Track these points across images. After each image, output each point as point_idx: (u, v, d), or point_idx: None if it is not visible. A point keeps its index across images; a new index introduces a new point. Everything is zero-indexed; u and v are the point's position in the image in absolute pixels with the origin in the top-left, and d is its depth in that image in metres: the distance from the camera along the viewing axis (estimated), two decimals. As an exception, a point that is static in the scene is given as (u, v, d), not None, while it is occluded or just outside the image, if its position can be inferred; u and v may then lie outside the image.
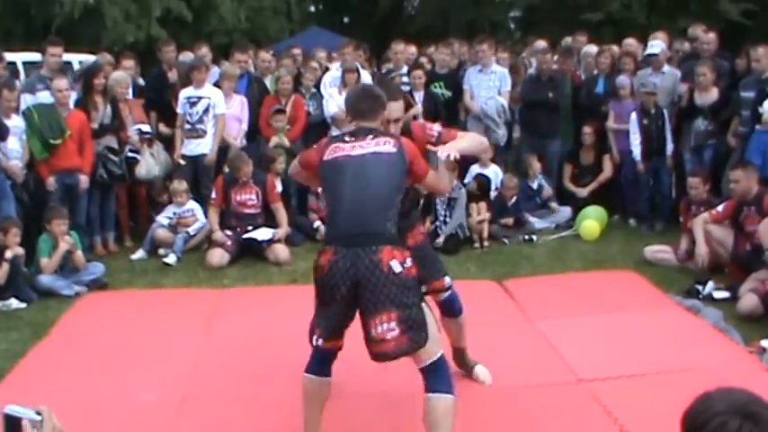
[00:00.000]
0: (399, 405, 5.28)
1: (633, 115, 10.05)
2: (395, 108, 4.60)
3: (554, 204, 10.51)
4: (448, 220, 9.57)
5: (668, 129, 9.95)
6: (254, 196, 9.25)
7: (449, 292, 5.29)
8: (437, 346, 4.22)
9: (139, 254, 9.19)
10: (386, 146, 4.28)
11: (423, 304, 4.20)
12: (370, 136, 4.31)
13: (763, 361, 5.81)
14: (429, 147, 4.74)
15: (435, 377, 4.19)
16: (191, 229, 9.36)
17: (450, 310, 5.35)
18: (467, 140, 4.87)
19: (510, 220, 9.99)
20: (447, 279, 5.26)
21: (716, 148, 9.72)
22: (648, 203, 10.28)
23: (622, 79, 10.50)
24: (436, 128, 4.94)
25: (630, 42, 11.54)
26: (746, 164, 8.00)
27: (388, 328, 4.03)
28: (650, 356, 5.97)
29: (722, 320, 6.70)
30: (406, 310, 4.03)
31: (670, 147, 9.97)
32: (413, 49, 12.01)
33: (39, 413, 2.26)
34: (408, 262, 4.09)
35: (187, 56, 11.48)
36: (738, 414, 1.92)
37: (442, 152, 4.43)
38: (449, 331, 5.36)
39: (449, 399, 4.19)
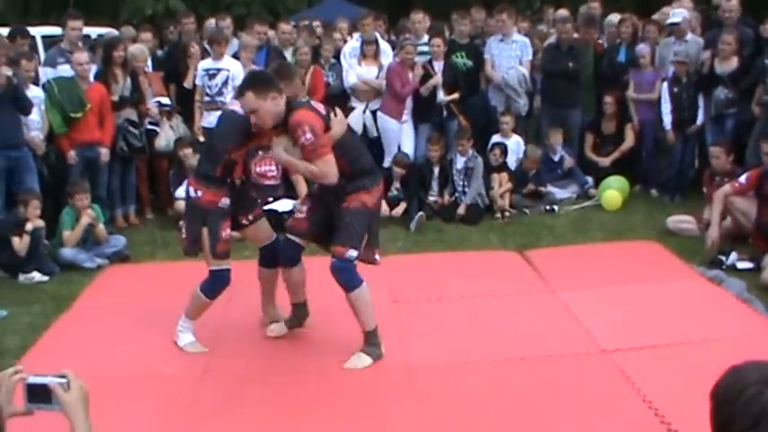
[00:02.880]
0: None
1: (664, 84, 9.96)
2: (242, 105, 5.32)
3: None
4: (466, 190, 9.54)
5: (700, 98, 9.83)
6: (274, 167, 9.22)
7: (342, 263, 5.37)
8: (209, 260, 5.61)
9: None
10: (239, 108, 5.39)
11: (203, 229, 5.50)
12: (242, 97, 5.29)
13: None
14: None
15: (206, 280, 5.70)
16: None
17: (336, 278, 5.43)
18: (303, 165, 5.31)
19: (531, 187, 9.96)
20: (350, 252, 5.35)
21: (737, 117, 9.61)
22: (677, 174, 10.18)
23: (641, 48, 10.41)
24: (308, 136, 5.14)
25: (666, 11, 11.33)
26: None
27: (183, 234, 5.84)
28: (673, 327, 5.95)
29: (746, 291, 6.67)
30: (189, 224, 5.65)
31: (701, 117, 9.86)
32: (426, 19, 11.87)
33: (63, 376, 2.29)
34: (200, 193, 5.45)
35: (211, 23, 11.49)
36: None
37: (278, 153, 5.39)
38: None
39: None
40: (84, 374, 2.39)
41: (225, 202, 5.48)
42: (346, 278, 5.40)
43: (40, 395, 2.28)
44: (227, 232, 5.56)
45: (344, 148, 5.37)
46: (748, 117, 9.45)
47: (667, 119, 9.96)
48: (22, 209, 7.65)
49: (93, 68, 9.22)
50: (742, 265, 7.39)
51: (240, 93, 5.29)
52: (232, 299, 6.71)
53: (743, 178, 7.84)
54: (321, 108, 5.47)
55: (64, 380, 2.27)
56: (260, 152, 9.02)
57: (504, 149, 10.00)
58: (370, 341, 5.51)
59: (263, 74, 5.80)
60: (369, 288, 5.48)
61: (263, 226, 6.01)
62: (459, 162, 9.65)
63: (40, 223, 7.71)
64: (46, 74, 9.14)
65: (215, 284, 5.69)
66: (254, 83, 5.29)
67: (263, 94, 5.16)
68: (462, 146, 9.66)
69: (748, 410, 1.87)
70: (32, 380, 2.29)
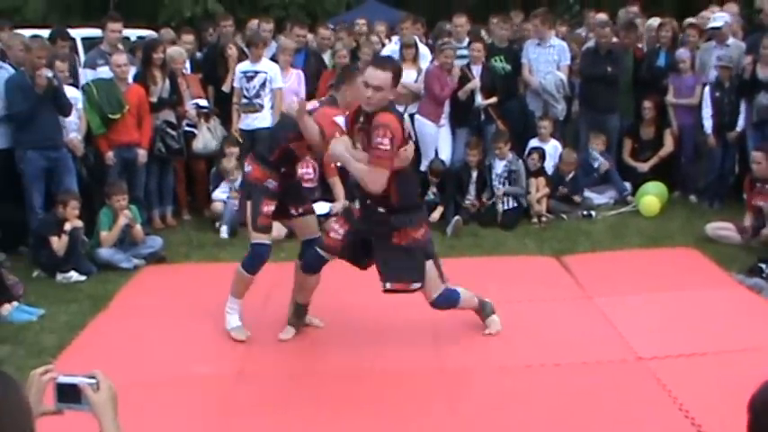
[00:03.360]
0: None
1: (706, 88, 9.87)
2: (373, 75, 5.17)
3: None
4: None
5: (742, 103, 9.71)
6: (311, 170, 9.26)
7: (438, 300, 5.67)
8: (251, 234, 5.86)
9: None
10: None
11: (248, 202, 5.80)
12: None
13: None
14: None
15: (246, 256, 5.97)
16: None
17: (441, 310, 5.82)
18: (356, 165, 5.22)
19: (565, 189, 9.90)
20: (413, 285, 5.50)
21: (780, 124, 9.49)
22: (717, 180, 10.08)
23: (682, 53, 10.32)
24: (385, 141, 5.08)
25: (705, 15, 11.24)
26: None
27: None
28: (711, 336, 5.89)
29: (786, 300, 6.59)
30: (240, 196, 6.19)
31: (741, 123, 9.73)
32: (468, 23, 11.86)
33: (92, 377, 2.29)
34: (250, 168, 5.79)
35: (253, 25, 11.56)
36: None
37: (335, 148, 5.28)
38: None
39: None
40: (119, 374, 2.41)
41: (270, 182, 5.72)
42: (448, 305, 5.77)
43: (69, 395, 2.28)
44: (269, 208, 5.74)
45: (403, 179, 5.37)
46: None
47: (708, 123, 9.86)
48: (61, 209, 7.72)
49: (133, 70, 9.28)
50: (783, 273, 7.29)
51: (380, 67, 5.23)
52: (268, 300, 6.75)
53: None
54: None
55: (93, 380, 2.28)
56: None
57: (542, 154, 9.96)
58: (484, 312, 5.99)
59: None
60: (463, 289, 5.83)
61: (311, 221, 6.15)
62: (499, 166, 9.63)
63: (79, 223, 7.77)
64: (86, 75, 9.22)
65: (254, 259, 5.86)
66: (396, 69, 5.34)
67: (396, 83, 5.28)
68: (500, 149, 9.63)
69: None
70: (62, 379, 2.30)
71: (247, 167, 5.86)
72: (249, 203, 5.77)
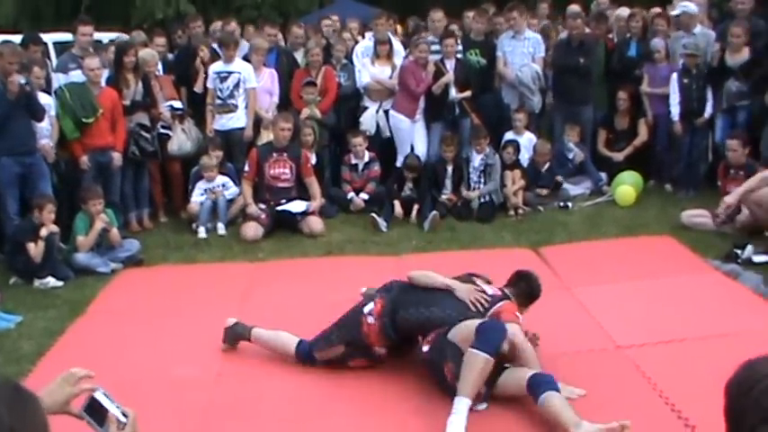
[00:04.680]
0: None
1: (674, 75, 9.92)
2: None
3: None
4: (481, 186, 9.55)
5: (709, 90, 9.78)
6: (287, 170, 9.24)
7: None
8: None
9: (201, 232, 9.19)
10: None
11: None
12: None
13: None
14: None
15: None
16: (227, 194, 9.37)
17: None
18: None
19: (544, 191, 9.94)
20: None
21: (750, 110, 9.55)
22: (687, 167, 10.13)
23: (657, 42, 10.37)
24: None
25: (675, 4, 11.30)
26: None
27: None
28: (688, 322, 5.92)
29: (762, 285, 6.63)
30: None
31: (709, 110, 9.81)
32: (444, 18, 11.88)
33: (126, 414, 2.28)
34: None
35: (217, 26, 11.52)
36: None
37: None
38: None
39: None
40: (99, 378, 2.40)
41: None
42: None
43: (97, 413, 2.28)
44: None
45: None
46: (759, 109, 9.39)
47: (675, 110, 9.92)
48: (37, 213, 7.67)
49: (105, 73, 9.23)
50: (758, 258, 7.34)
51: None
52: (246, 299, 6.74)
53: None
54: None
55: (124, 419, 2.26)
56: (274, 154, 9.10)
57: (517, 147, 10.00)
58: None
59: None
60: None
61: None
62: (476, 160, 9.65)
63: (55, 228, 7.72)
64: (58, 80, 9.16)
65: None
66: None
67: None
68: (480, 145, 9.66)
69: (760, 404, 1.86)
70: (99, 396, 2.29)
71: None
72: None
